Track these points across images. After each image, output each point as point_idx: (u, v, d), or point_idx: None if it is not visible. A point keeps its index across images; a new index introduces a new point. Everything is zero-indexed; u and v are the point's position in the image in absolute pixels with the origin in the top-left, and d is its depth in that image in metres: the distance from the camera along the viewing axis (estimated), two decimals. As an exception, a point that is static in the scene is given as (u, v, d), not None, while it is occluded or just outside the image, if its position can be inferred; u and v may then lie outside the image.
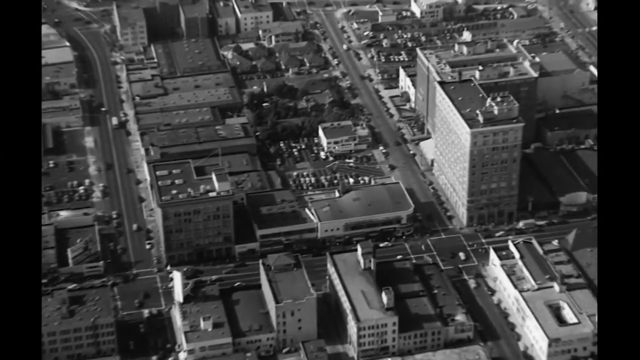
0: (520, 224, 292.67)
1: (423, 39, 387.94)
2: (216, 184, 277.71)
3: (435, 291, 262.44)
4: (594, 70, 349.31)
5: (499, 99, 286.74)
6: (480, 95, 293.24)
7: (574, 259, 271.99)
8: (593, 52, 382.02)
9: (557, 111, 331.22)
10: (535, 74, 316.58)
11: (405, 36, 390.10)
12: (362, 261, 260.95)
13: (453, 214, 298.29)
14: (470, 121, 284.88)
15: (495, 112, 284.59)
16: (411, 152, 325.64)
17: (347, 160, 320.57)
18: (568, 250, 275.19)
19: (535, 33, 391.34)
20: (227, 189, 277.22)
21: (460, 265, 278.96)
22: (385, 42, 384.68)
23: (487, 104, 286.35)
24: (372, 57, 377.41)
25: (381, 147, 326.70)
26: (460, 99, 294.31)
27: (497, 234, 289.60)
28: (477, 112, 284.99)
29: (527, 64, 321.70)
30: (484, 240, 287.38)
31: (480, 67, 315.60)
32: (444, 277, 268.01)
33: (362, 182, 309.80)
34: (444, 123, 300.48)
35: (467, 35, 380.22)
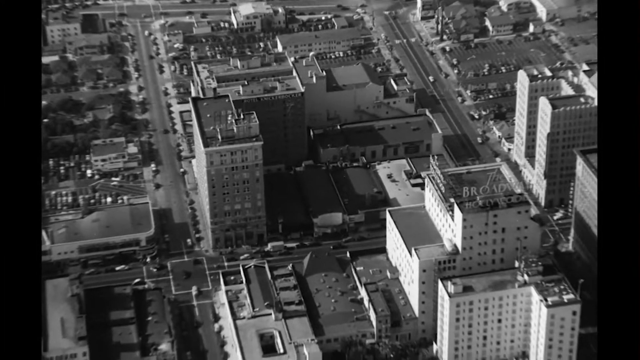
0: (269, 247, 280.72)
1: (234, 50, 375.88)
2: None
3: (150, 318, 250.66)
4: (393, 84, 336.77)
5: (241, 117, 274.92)
6: (231, 112, 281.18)
7: (305, 284, 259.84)
8: (406, 64, 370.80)
9: (338, 127, 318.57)
10: (301, 89, 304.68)
11: (217, 48, 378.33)
12: (69, 287, 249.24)
13: (203, 236, 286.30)
14: (210, 139, 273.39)
15: (235, 130, 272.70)
16: (182, 170, 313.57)
17: (112, 179, 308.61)
18: (302, 274, 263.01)
19: (351, 44, 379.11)
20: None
21: (193, 291, 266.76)
22: (193, 55, 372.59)
23: (228, 122, 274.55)
24: (175, 70, 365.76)
25: (152, 165, 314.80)
26: (208, 115, 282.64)
27: (242, 257, 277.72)
28: (217, 130, 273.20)
29: (296, 80, 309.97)
30: (226, 264, 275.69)
31: (245, 82, 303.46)
32: (164, 304, 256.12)
33: (120, 201, 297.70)
34: (197, 141, 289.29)
35: (280, 46, 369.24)
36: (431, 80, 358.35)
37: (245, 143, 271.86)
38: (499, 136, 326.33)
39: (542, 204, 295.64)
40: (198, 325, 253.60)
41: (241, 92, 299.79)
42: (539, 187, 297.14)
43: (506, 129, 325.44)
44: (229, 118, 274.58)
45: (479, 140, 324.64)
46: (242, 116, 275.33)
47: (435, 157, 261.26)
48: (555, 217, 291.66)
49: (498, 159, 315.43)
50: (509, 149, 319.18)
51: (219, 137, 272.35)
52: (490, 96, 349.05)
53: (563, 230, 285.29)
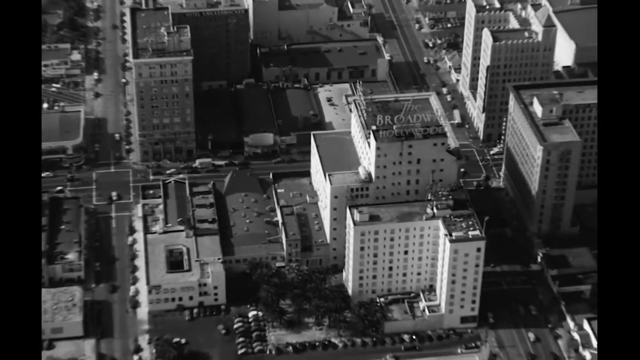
0: (196, 163, 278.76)
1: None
2: None
3: (62, 227, 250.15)
4: (350, 6, 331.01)
5: (174, 30, 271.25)
6: (167, 25, 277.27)
7: (223, 203, 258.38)
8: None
9: (285, 47, 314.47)
10: (245, 6, 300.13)
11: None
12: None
13: (134, 148, 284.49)
14: (141, 51, 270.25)
15: (166, 43, 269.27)
16: (123, 80, 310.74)
17: (53, 85, 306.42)
18: (222, 193, 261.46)
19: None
20: None
21: (112, 196, 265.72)
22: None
23: (160, 34, 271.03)
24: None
25: (95, 74, 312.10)
26: (144, 27, 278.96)
27: (168, 172, 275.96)
28: (149, 42, 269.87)
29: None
30: (151, 177, 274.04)
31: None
32: (80, 213, 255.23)
33: (56, 108, 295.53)
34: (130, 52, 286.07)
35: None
36: None
37: (176, 57, 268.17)
38: (450, 66, 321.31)
39: (481, 137, 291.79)
40: (114, 261, 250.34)
41: (184, 5, 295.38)
42: (479, 121, 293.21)
43: (457, 59, 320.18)
44: (162, 31, 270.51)
45: (427, 67, 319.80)
46: (175, 29, 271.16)
47: (360, 82, 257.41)
48: (492, 152, 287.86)
49: (445, 89, 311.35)
50: (457, 80, 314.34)
51: (150, 49, 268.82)
52: (449, 25, 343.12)
53: (497, 166, 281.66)
